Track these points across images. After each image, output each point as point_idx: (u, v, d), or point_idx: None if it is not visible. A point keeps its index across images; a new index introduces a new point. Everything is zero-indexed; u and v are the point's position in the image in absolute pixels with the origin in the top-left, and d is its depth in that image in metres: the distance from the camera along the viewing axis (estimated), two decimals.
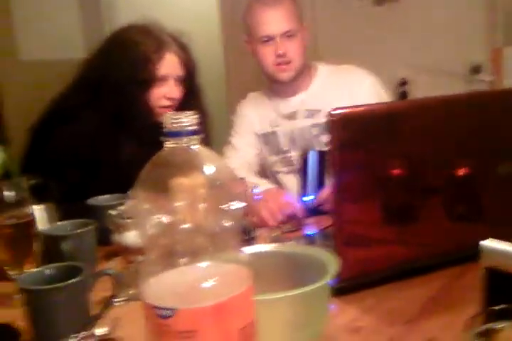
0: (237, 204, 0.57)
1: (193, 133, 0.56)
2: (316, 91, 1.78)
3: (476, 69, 2.37)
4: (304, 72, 1.76)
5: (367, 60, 1.80)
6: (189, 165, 0.58)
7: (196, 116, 0.57)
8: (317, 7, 2.69)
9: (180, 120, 0.56)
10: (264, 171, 1.88)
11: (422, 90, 2.30)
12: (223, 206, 0.57)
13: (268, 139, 1.83)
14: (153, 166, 0.57)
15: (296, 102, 1.79)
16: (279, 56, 1.68)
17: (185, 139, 0.56)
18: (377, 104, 1.06)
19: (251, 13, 1.72)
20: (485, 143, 1.04)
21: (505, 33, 2.29)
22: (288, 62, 1.69)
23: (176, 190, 0.56)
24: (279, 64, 1.69)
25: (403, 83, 2.34)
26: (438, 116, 1.01)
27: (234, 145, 1.84)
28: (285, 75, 1.72)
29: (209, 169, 0.57)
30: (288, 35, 1.67)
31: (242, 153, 1.82)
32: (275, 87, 1.81)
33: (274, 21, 1.68)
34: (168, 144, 0.57)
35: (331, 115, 0.91)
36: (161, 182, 0.56)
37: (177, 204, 0.56)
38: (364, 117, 0.97)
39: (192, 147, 0.57)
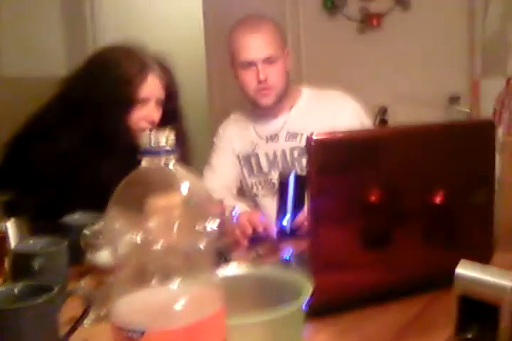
0: (211, 225, 0.57)
1: (170, 152, 0.56)
2: (298, 114, 1.79)
3: (454, 100, 2.41)
4: (287, 95, 1.77)
5: (348, 85, 1.82)
6: (165, 184, 0.57)
7: (173, 135, 0.57)
8: (301, 32, 2.74)
9: (157, 139, 0.56)
10: (243, 194, 1.87)
11: (400, 118, 2.33)
12: (198, 227, 0.56)
13: (249, 160, 1.82)
14: (128, 184, 0.56)
15: (277, 124, 1.80)
16: (260, 82, 1.69)
17: (162, 158, 0.56)
18: (355, 130, 1.07)
19: (233, 37, 1.73)
20: (460, 171, 1.06)
21: (483, 65, 2.33)
22: (269, 88, 1.70)
23: (150, 210, 0.55)
24: (260, 90, 1.70)
25: (383, 111, 2.37)
26: (416, 143, 1.02)
27: (213, 166, 1.84)
28: (266, 100, 1.72)
29: (185, 189, 0.57)
30: (269, 61, 1.68)
31: (221, 174, 1.82)
32: (257, 110, 1.81)
33: (254, 47, 1.69)
34: (145, 162, 0.56)
35: (309, 140, 0.91)
36: (136, 200, 0.55)
37: (151, 223, 0.56)
38: (342, 143, 0.97)
39: (169, 166, 0.57)
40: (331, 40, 2.70)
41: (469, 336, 0.56)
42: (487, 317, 0.63)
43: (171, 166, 0.57)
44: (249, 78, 1.70)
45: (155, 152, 0.56)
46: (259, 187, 1.82)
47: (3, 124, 1.71)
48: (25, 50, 2.91)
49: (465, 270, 0.68)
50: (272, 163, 1.79)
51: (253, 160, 1.82)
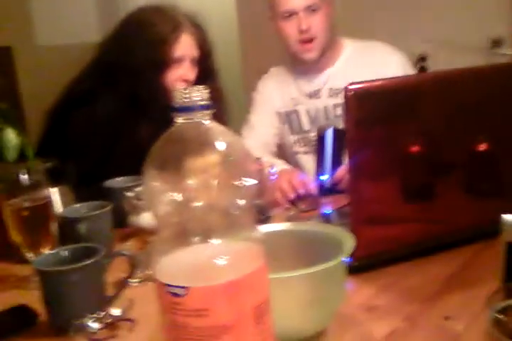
0: (250, 181, 0.56)
1: (205, 107, 0.55)
2: (341, 69, 1.72)
3: (496, 43, 2.31)
4: (330, 49, 1.70)
5: (386, 34, 1.76)
6: (201, 141, 0.56)
7: (207, 91, 0.55)
8: None
9: (191, 95, 0.55)
10: (283, 152, 1.84)
11: (441, 65, 2.24)
12: (236, 182, 0.55)
13: (289, 118, 1.78)
14: (164, 142, 0.56)
15: (319, 81, 1.74)
16: (302, 32, 1.62)
17: (197, 114, 0.55)
18: (393, 78, 1.03)
19: None
20: (504, 117, 1.02)
21: None
22: (312, 39, 1.63)
23: (188, 169, 0.55)
24: (303, 41, 1.64)
25: (422, 58, 2.29)
26: (456, 89, 0.98)
27: (252, 124, 1.80)
28: (310, 55, 1.66)
29: (222, 145, 0.56)
30: (311, 9, 1.61)
31: (260, 132, 1.79)
32: (299, 65, 1.75)
33: None
34: (180, 120, 0.56)
35: (346, 90, 0.89)
36: (173, 158, 0.55)
37: (190, 182, 0.55)
38: (381, 92, 0.95)
39: (204, 122, 0.56)
40: None
41: None
42: None
43: (206, 122, 0.56)
44: (290, 29, 1.63)
45: (189, 108, 0.54)
46: (300, 144, 1.78)
47: (42, 92, 1.73)
48: (57, 17, 2.92)
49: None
50: (314, 120, 1.74)
51: (294, 118, 1.77)
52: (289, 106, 1.78)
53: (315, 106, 1.74)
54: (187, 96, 0.55)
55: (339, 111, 1.69)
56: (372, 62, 1.68)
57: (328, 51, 1.69)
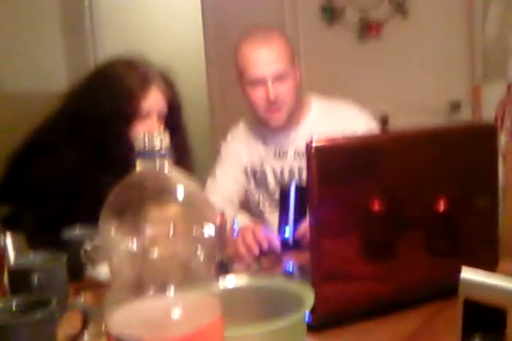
0: (209, 231, 0.55)
1: (165, 155, 0.55)
2: (307, 131, 1.67)
3: (456, 106, 2.40)
4: (296, 111, 1.68)
5: (348, 94, 1.78)
6: (160, 189, 0.56)
7: (167, 138, 0.55)
8: (301, 41, 2.74)
9: (152, 141, 0.54)
10: (250, 208, 1.81)
11: (402, 127, 2.32)
12: (195, 232, 0.55)
13: (256, 177, 1.76)
14: (122, 188, 0.55)
15: (286, 141, 1.71)
16: (270, 103, 1.59)
17: (156, 161, 0.55)
18: (356, 136, 1.05)
19: (240, 52, 1.63)
20: (463, 178, 1.04)
21: (484, 71, 2.33)
22: (280, 108, 1.61)
23: (147, 219, 0.54)
24: (270, 110, 1.62)
25: (384, 121, 2.36)
26: (418, 149, 1.01)
27: (217, 178, 1.78)
28: (276, 123, 1.64)
29: (181, 193, 0.56)
30: (279, 76, 1.58)
31: (224, 187, 1.76)
32: (265, 127, 1.72)
33: (264, 62, 1.57)
34: (139, 166, 0.55)
35: (308, 146, 0.90)
36: (131, 206, 0.54)
37: (147, 231, 0.54)
38: (343, 149, 0.96)
39: (164, 170, 0.55)
40: (330, 49, 2.71)
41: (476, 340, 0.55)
42: (493, 323, 0.61)
43: (166, 170, 0.55)
44: (258, 97, 1.60)
45: (149, 154, 0.54)
46: (266, 203, 1.76)
47: (4, 140, 1.71)
48: (25, 65, 2.92)
49: (470, 274, 0.66)
50: (279, 180, 1.72)
51: (261, 177, 1.75)
52: (256, 164, 1.76)
53: (281, 166, 1.72)
54: (147, 142, 0.54)
55: (304, 173, 1.67)
56: (340, 123, 1.65)
57: (295, 113, 1.68)
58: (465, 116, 2.36)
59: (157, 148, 0.54)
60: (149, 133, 0.56)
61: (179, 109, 1.59)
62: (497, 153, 1.09)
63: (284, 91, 1.60)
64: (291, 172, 1.71)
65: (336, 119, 1.68)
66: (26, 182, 1.46)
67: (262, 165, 1.75)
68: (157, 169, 0.55)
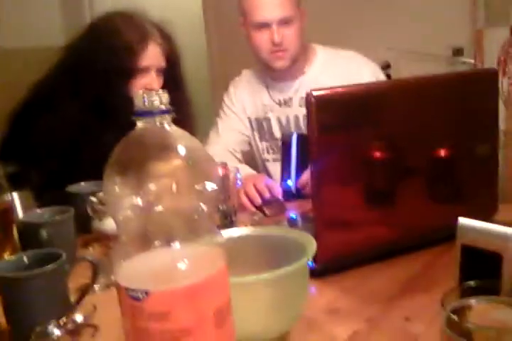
0: (212, 185, 0.56)
1: (165, 112, 0.55)
2: (312, 78, 1.69)
3: (458, 52, 2.37)
4: (301, 57, 1.68)
5: (349, 43, 1.77)
6: (162, 145, 0.56)
7: (167, 95, 0.56)
8: None
9: (151, 99, 0.55)
10: (252, 158, 1.83)
11: (404, 73, 2.30)
12: (198, 186, 0.56)
13: (260, 125, 1.77)
14: (124, 146, 0.56)
15: (291, 89, 1.72)
16: (275, 45, 1.60)
17: (157, 118, 0.55)
18: (356, 85, 1.05)
19: None
20: (464, 124, 1.05)
21: (486, 14, 2.28)
22: (284, 50, 1.62)
23: (150, 174, 0.55)
24: (275, 52, 1.62)
25: (386, 66, 2.33)
26: (418, 95, 1.00)
27: (219, 129, 1.78)
28: (281, 63, 1.64)
29: (182, 149, 0.56)
30: (285, 21, 1.58)
31: (226, 138, 1.77)
32: (270, 72, 1.73)
33: (270, 7, 1.57)
34: (140, 124, 0.56)
35: (308, 96, 0.90)
36: (134, 163, 0.55)
37: (151, 186, 0.55)
38: (343, 98, 0.96)
39: (164, 127, 0.56)
40: None
41: (472, 285, 0.57)
42: (490, 267, 0.63)
43: (166, 126, 0.56)
44: (263, 40, 1.61)
45: (149, 113, 0.55)
46: (270, 151, 1.77)
47: (4, 96, 1.71)
48: (22, 20, 2.88)
49: (468, 220, 0.68)
50: (285, 128, 1.72)
51: (265, 125, 1.76)
52: (260, 112, 1.76)
53: (286, 114, 1.72)
54: (146, 100, 0.55)
55: None
56: (345, 72, 1.65)
57: (300, 59, 1.68)
58: (468, 60, 2.33)
59: (157, 105, 0.55)
60: (148, 90, 0.56)
61: (178, 64, 1.57)
62: (497, 98, 1.09)
63: (289, 34, 1.60)
64: (296, 119, 1.71)
65: (342, 68, 1.67)
66: (29, 139, 1.47)
67: (266, 113, 1.75)
68: (158, 125, 0.55)
